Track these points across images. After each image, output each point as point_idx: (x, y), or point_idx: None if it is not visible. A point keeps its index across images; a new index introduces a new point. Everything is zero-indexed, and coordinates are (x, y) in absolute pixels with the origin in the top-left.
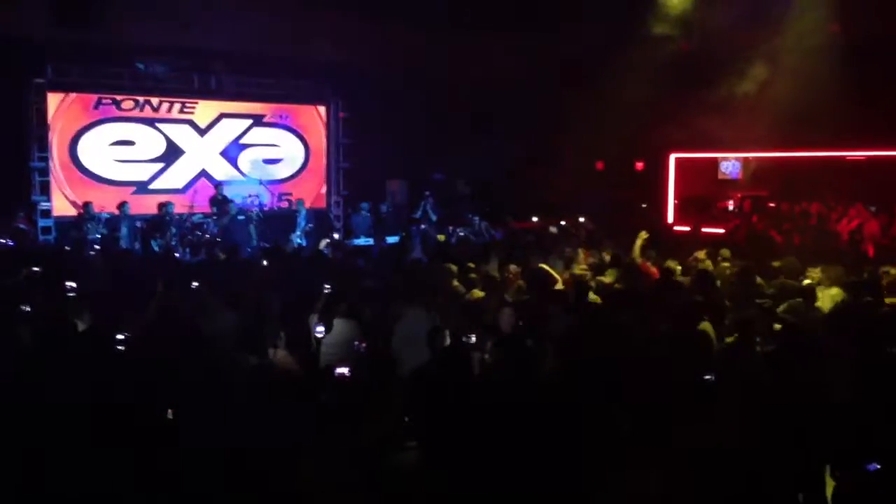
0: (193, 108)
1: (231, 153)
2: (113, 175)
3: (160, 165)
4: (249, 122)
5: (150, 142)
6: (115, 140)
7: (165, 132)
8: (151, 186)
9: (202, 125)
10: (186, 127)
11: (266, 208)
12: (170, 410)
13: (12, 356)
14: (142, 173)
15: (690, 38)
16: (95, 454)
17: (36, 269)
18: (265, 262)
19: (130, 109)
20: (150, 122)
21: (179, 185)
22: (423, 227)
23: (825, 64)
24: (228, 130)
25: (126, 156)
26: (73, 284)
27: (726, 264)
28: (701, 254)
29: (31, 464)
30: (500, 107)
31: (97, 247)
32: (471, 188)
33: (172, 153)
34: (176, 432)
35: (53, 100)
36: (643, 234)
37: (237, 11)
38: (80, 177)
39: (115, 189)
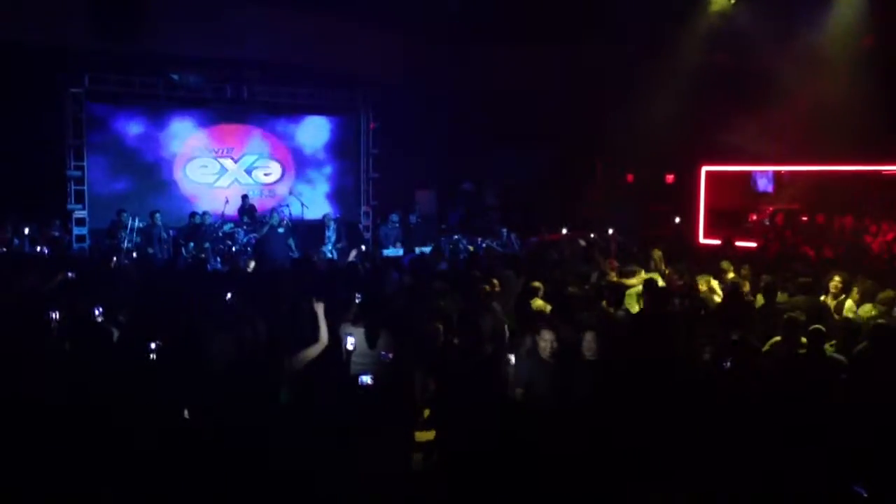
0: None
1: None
2: None
3: None
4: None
5: None
6: None
7: None
8: None
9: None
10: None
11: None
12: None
13: (51, 361)
14: None
15: (723, 51)
16: (127, 457)
17: (70, 274)
18: (294, 272)
19: None
20: None
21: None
22: (455, 237)
23: (859, 77)
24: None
25: None
26: (100, 310)
27: (731, 275)
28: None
29: (62, 463)
30: (531, 118)
31: (134, 255)
32: (500, 199)
33: None
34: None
35: None
36: (657, 252)
37: (270, 23)
38: None
39: None
